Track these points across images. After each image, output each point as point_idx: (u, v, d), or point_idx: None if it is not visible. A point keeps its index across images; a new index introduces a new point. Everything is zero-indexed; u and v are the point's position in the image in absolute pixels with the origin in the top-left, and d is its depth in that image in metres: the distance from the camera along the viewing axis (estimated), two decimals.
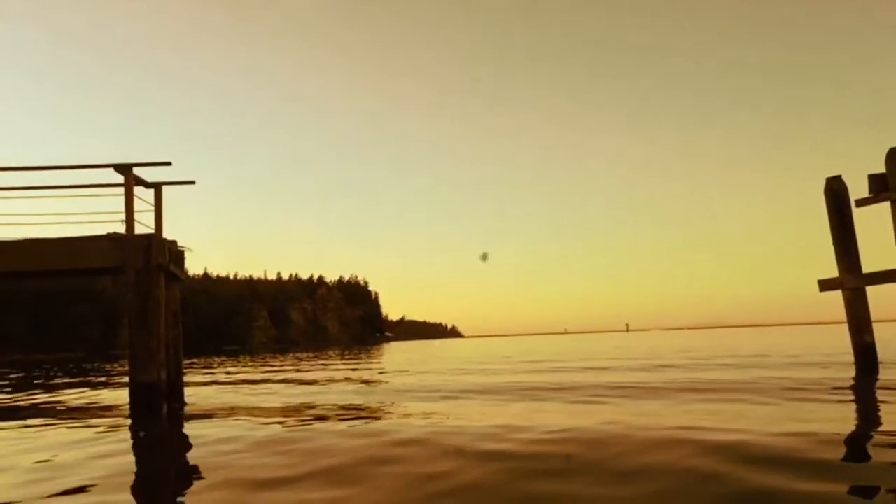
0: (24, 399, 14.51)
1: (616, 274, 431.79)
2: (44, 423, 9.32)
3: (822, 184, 13.13)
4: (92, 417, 10.12)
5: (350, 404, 10.00)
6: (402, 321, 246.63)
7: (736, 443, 5.16)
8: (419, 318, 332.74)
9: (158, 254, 8.82)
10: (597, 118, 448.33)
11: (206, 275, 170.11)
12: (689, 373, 14.20)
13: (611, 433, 5.88)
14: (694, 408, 7.82)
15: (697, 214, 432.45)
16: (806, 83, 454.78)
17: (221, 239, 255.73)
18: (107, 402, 12.57)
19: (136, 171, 9.26)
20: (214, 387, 15.97)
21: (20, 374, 29.93)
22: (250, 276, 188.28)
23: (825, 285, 13.00)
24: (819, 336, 43.85)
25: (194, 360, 39.81)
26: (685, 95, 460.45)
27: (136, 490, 5.03)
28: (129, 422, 8.64)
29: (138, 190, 9.49)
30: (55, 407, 12.15)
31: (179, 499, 4.63)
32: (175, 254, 9.78)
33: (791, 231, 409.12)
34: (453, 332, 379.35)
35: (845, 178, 12.96)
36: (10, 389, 18.54)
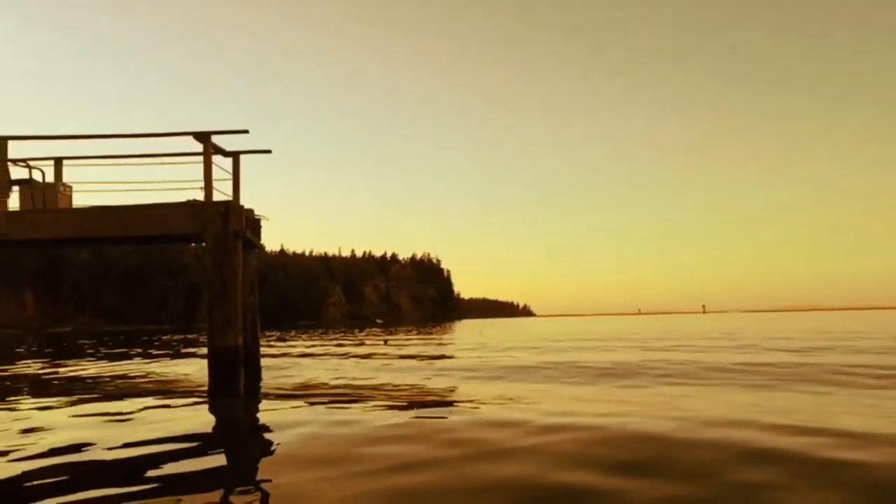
0: (112, 366, 15.07)
1: (691, 254, 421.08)
2: (137, 393, 9.59)
3: None
4: (173, 380, 10.38)
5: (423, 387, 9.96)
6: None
7: None
8: (491, 296, 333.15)
9: (236, 221, 8.85)
10: (681, 105, 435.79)
11: (282, 251, 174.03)
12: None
13: None
14: None
15: (777, 195, 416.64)
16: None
17: (298, 216, 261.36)
18: (186, 369, 12.93)
19: (215, 139, 9.30)
20: (291, 358, 16.24)
21: (110, 344, 31.30)
22: (325, 253, 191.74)
23: None
24: None
25: (269, 333, 40.81)
26: (780, 76, 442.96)
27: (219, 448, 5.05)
28: (206, 386, 8.78)
29: (217, 159, 9.55)
30: (145, 375, 12.56)
31: (262, 458, 4.63)
32: (252, 222, 9.83)
33: (880, 208, 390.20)
34: (525, 311, 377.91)
35: None
36: (99, 358, 19.33)
